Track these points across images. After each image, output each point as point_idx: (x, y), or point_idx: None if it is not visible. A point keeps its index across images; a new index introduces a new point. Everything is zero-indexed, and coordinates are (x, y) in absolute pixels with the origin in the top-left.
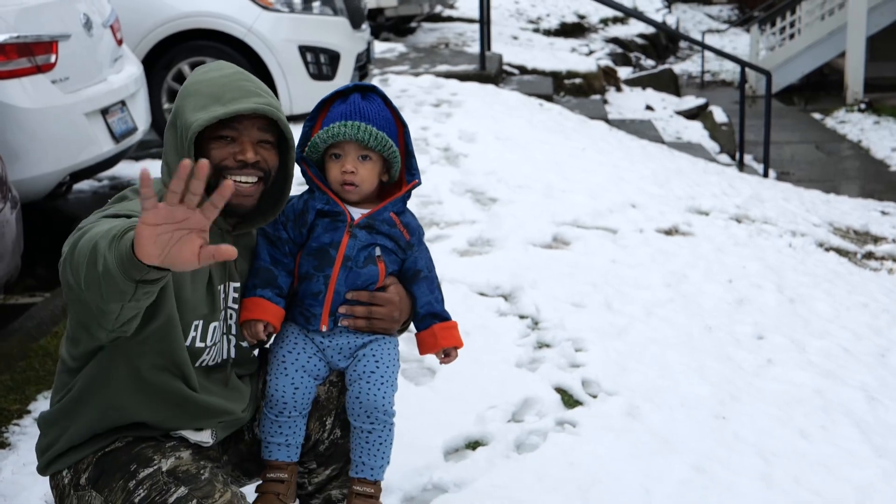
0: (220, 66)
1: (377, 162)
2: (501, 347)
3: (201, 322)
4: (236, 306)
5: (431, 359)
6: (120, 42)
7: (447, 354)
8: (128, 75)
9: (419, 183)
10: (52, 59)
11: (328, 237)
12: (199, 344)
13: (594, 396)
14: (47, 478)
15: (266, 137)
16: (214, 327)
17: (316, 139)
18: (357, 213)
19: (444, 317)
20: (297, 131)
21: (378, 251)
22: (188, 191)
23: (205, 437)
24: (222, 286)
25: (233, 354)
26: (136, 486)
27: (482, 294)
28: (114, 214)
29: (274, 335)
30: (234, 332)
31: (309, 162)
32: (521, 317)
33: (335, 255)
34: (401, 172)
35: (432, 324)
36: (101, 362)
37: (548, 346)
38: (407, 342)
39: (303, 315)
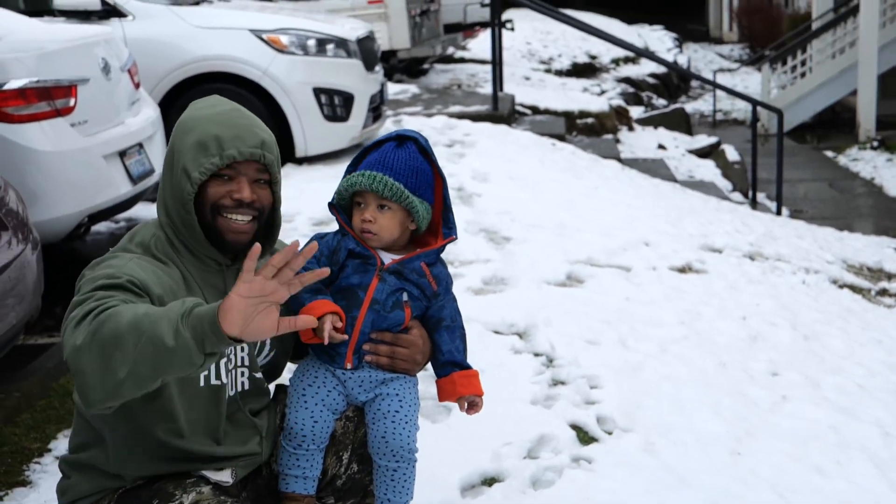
0: (215, 101)
1: (397, 212)
2: (517, 385)
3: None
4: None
5: None
6: (137, 85)
7: (472, 405)
8: (145, 118)
9: (455, 239)
10: (72, 102)
11: (357, 278)
12: (214, 382)
13: (609, 433)
14: None
15: (262, 177)
16: (224, 363)
17: (339, 188)
18: (388, 257)
19: (465, 366)
20: (309, 173)
21: (405, 296)
22: (287, 267)
23: (225, 477)
24: None
25: (247, 386)
26: None
27: (497, 332)
28: (111, 285)
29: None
30: (246, 363)
31: (339, 207)
32: (536, 354)
33: (363, 297)
34: (438, 224)
35: (452, 371)
36: (117, 421)
37: (563, 383)
38: (423, 380)
39: (327, 353)
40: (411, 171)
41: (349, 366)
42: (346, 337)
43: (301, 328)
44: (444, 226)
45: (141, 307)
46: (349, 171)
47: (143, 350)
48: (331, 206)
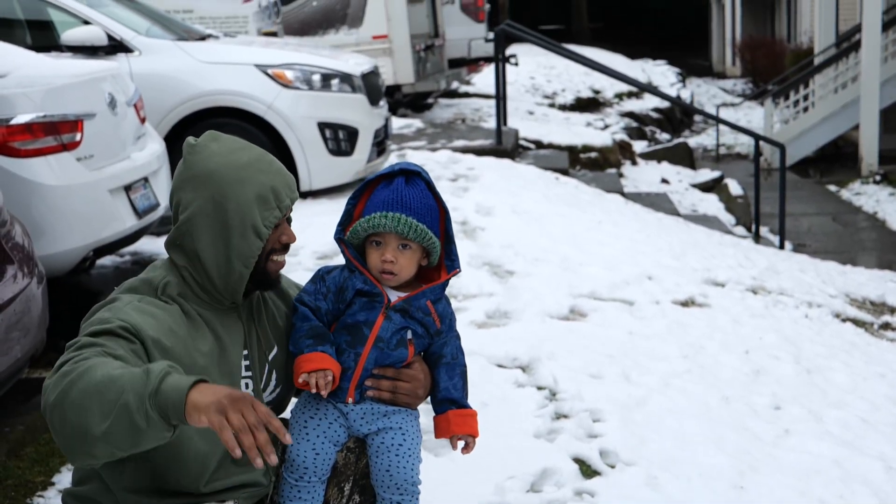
0: (238, 144)
1: (417, 251)
2: (520, 418)
3: None
4: (249, 374)
5: None
6: (143, 120)
7: (466, 444)
8: (150, 152)
9: (459, 271)
10: (78, 137)
11: (363, 315)
12: None
13: (612, 467)
14: None
15: (289, 214)
16: None
17: (357, 227)
18: (394, 295)
19: (462, 404)
20: (313, 207)
21: (410, 335)
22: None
23: None
24: (246, 352)
25: None
26: None
27: (500, 366)
28: (101, 331)
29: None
30: None
31: (347, 242)
32: (539, 388)
33: (368, 335)
34: (441, 258)
35: (448, 409)
36: (119, 464)
37: (566, 416)
38: (426, 413)
39: None
40: (426, 209)
41: (350, 401)
42: (323, 392)
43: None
44: (446, 258)
45: (111, 370)
46: (352, 202)
47: (115, 428)
48: (338, 240)
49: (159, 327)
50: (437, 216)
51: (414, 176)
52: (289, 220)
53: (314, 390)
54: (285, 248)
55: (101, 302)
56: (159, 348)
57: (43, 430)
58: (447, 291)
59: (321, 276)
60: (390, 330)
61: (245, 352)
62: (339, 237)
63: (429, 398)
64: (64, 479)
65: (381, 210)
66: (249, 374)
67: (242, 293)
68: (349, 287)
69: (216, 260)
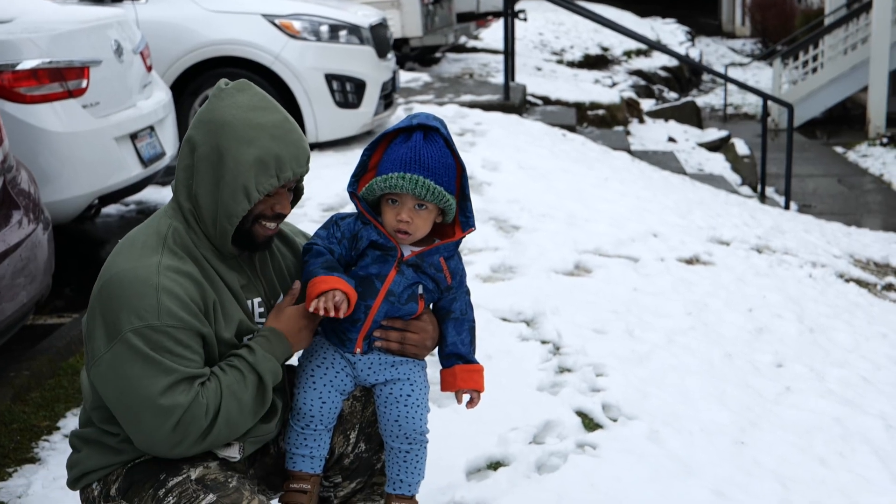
0: (262, 102)
1: (432, 210)
2: (523, 371)
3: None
4: (262, 321)
5: None
6: (149, 68)
7: (471, 399)
8: (157, 101)
9: (474, 229)
10: (84, 84)
11: (376, 268)
12: None
13: (614, 420)
14: (77, 492)
15: (293, 185)
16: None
17: (374, 185)
18: (408, 249)
19: (469, 359)
20: (320, 159)
21: (420, 289)
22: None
23: (233, 452)
24: (250, 301)
25: None
26: (165, 494)
27: (505, 319)
28: (183, 356)
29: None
30: None
31: (361, 197)
32: (543, 342)
33: (380, 288)
34: (456, 214)
35: (455, 364)
36: None
37: (569, 370)
38: (431, 364)
39: (338, 337)
40: (444, 168)
41: (359, 351)
42: (344, 311)
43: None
44: (461, 215)
45: (232, 402)
46: (367, 154)
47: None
48: (352, 194)
49: (195, 312)
50: (454, 174)
51: (432, 132)
52: (298, 193)
53: (322, 313)
54: (278, 217)
55: (119, 285)
56: (200, 321)
57: (48, 375)
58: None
59: (335, 221)
60: (402, 284)
61: (258, 299)
62: (353, 191)
63: (435, 351)
64: (69, 423)
65: (398, 170)
66: (264, 320)
67: (232, 247)
68: (363, 237)
69: (208, 208)
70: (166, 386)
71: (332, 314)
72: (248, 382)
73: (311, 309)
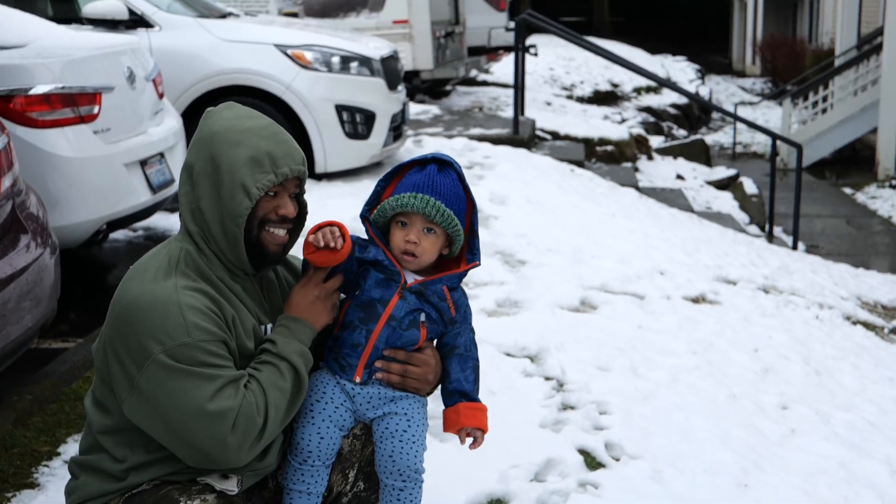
0: (245, 112)
1: (441, 236)
2: (526, 407)
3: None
4: None
5: None
6: (161, 95)
7: (474, 439)
8: (167, 128)
9: (479, 264)
10: (96, 109)
11: (379, 293)
12: None
13: (617, 459)
14: None
15: (297, 191)
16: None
17: (385, 205)
18: (411, 277)
19: (473, 397)
20: (328, 189)
21: (423, 317)
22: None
23: (230, 486)
24: (263, 327)
25: None
26: None
27: (509, 354)
28: (220, 365)
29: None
30: None
31: (372, 222)
32: (547, 378)
33: (381, 312)
34: (463, 249)
35: (458, 402)
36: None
37: (572, 407)
38: (433, 399)
39: (338, 362)
40: (456, 198)
41: (358, 379)
42: (341, 241)
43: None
44: (468, 251)
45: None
46: (382, 185)
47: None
48: (363, 218)
49: (218, 325)
50: (465, 207)
51: (446, 166)
52: (300, 199)
53: (322, 244)
54: (283, 221)
55: (142, 308)
56: (225, 332)
57: (50, 400)
58: (462, 283)
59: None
60: (404, 309)
61: (270, 325)
62: (365, 216)
63: (438, 390)
64: (69, 449)
65: (411, 191)
66: None
67: (247, 260)
68: (370, 251)
69: (214, 218)
70: (213, 392)
71: (331, 245)
72: (284, 371)
73: (311, 241)
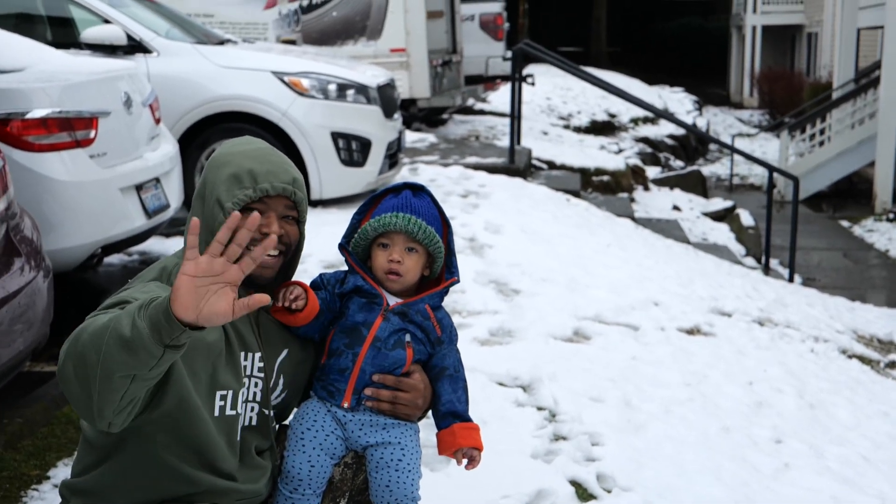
0: (248, 140)
1: (422, 255)
2: (518, 438)
3: (229, 392)
4: (262, 375)
5: None
6: (158, 121)
7: (471, 459)
8: (163, 153)
9: (458, 281)
10: (92, 134)
11: (362, 316)
12: (230, 412)
13: (608, 491)
14: None
15: (290, 213)
16: (242, 393)
17: (367, 227)
18: (393, 300)
19: (465, 418)
20: (323, 216)
21: (408, 337)
22: (233, 242)
23: None
24: (243, 354)
25: (254, 422)
26: None
27: (501, 384)
28: (110, 304)
29: (302, 307)
30: (258, 398)
31: (351, 252)
32: (539, 408)
33: (366, 334)
34: (442, 271)
35: (453, 423)
36: (122, 442)
37: (564, 438)
38: (425, 428)
39: (326, 389)
40: (433, 217)
41: (346, 405)
42: (303, 303)
43: (255, 307)
44: (447, 271)
45: (115, 311)
46: (357, 218)
47: (109, 348)
48: (341, 247)
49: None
50: (441, 226)
51: (419, 191)
52: (300, 224)
53: (280, 304)
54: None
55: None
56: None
57: (41, 423)
58: (449, 308)
59: (319, 276)
60: (388, 330)
61: (259, 353)
62: (343, 245)
63: (430, 414)
64: (60, 473)
65: (391, 211)
66: (262, 375)
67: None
68: (349, 281)
69: (201, 237)
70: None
71: (287, 306)
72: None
73: (278, 303)
